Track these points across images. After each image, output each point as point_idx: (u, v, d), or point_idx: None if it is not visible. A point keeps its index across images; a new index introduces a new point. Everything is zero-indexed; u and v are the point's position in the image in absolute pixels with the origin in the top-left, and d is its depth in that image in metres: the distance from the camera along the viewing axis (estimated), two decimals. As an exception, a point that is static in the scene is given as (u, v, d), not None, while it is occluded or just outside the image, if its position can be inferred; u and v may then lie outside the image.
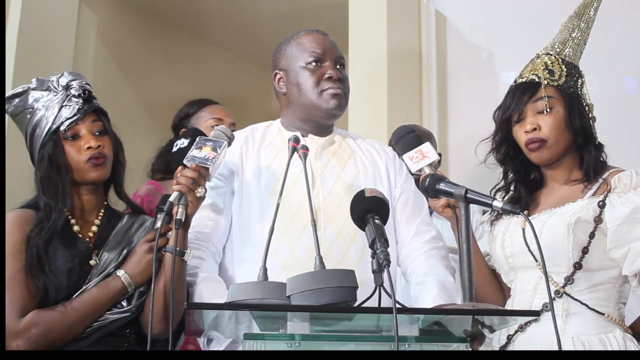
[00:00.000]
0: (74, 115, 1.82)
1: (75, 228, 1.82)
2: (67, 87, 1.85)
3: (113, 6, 4.42)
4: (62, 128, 1.81)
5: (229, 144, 1.78)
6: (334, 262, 1.76)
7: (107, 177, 1.88)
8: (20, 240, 1.73)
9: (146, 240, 1.78)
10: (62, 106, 1.83)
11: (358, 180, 1.94)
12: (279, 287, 1.41)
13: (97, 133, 1.85)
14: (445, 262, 1.93)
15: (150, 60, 4.62)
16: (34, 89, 1.88)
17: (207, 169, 1.71)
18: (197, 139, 1.75)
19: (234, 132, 1.86)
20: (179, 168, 1.73)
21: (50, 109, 1.83)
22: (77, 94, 1.84)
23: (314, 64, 1.94)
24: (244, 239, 1.88)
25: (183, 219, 1.66)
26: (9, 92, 1.92)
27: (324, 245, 1.79)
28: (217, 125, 2.10)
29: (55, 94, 1.85)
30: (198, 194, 1.69)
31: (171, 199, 1.68)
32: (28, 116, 1.86)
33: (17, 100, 1.89)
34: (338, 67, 1.97)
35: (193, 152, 1.72)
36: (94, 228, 1.85)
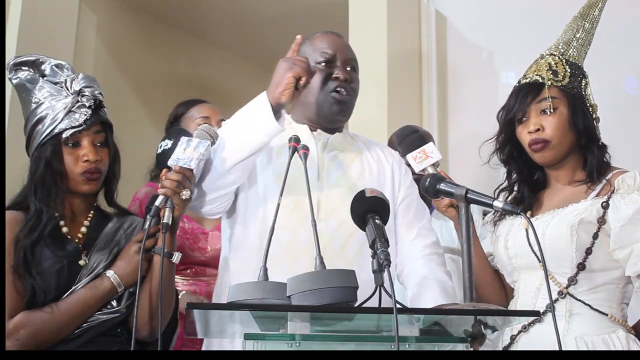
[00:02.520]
0: (80, 125, 1.79)
1: (64, 230, 1.80)
2: (79, 93, 1.82)
3: (113, 6, 4.42)
4: (64, 135, 1.79)
5: (213, 143, 1.78)
6: (332, 253, 1.78)
7: (98, 190, 1.87)
8: (9, 242, 1.71)
9: (136, 241, 1.77)
10: (69, 111, 1.80)
11: (363, 177, 1.96)
12: (279, 287, 1.41)
13: (98, 144, 1.83)
14: (445, 268, 1.94)
15: (150, 60, 4.62)
16: (46, 77, 1.85)
17: (191, 170, 1.70)
18: (180, 140, 1.74)
19: None
20: (164, 171, 1.73)
21: (57, 110, 1.79)
22: (87, 104, 1.81)
23: (323, 64, 1.97)
24: (248, 219, 1.90)
25: (170, 223, 1.66)
26: (16, 58, 1.88)
27: (325, 235, 1.81)
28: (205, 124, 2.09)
29: (66, 95, 1.82)
30: (183, 197, 1.68)
31: (157, 202, 1.67)
32: (33, 105, 1.83)
33: (24, 73, 1.85)
34: (348, 69, 1.99)
35: (176, 153, 1.72)
36: (83, 229, 1.83)
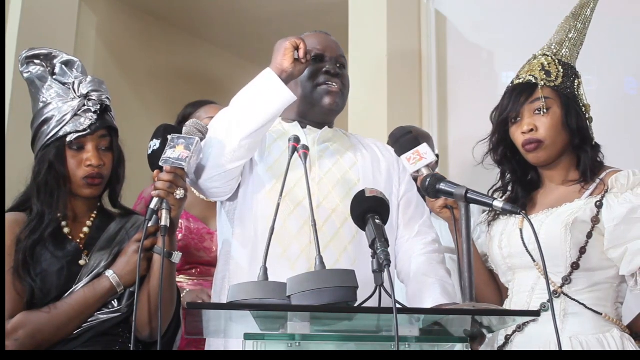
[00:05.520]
0: (84, 130, 1.79)
1: (66, 230, 1.81)
2: (86, 96, 1.81)
3: (113, 6, 4.42)
4: (68, 138, 1.79)
5: (203, 138, 1.75)
6: (325, 240, 1.78)
7: (99, 194, 1.87)
8: (10, 243, 1.72)
9: (136, 240, 1.76)
10: (75, 115, 1.79)
11: (356, 166, 1.96)
12: (279, 287, 1.41)
13: (103, 148, 1.83)
14: (445, 266, 1.94)
15: (150, 60, 4.63)
16: (55, 76, 1.85)
17: (183, 169, 1.68)
18: (169, 139, 1.71)
19: None
20: (156, 172, 1.70)
21: (63, 113, 1.79)
22: (94, 109, 1.80)
23: (313, 60, 1.96)
24: (244, 214, 1.89)
25: (168, 224, 1.64)
26: (29, 51, 1.87)
27: (317, 222, 1.78)
28: None
29: (73, 98, 1.81)
30: (178, 196, 1.66)
31: (152, 205, 1.65)
32: (40, 104, 1.83)
33: (36, 68, 1.85)
34: (338, 65, 1.99)
35: (167, 153, 1.68)
36: (85, 230, 1.84)
